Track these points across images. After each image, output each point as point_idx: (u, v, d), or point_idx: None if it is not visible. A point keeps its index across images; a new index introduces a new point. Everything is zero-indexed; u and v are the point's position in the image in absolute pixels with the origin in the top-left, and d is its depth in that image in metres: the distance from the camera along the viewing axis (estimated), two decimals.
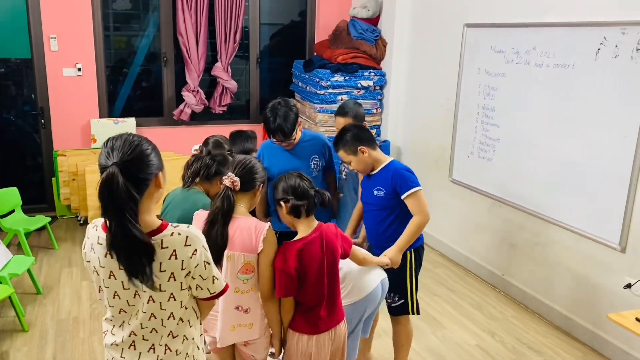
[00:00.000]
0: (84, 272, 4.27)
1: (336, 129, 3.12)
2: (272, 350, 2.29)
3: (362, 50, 5.34)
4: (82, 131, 5.40)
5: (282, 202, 2.23)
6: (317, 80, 5.26)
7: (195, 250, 1.56)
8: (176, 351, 1.65)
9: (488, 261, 4.35)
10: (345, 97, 5.23)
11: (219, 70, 5.64)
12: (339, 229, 2.36)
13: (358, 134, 2.73)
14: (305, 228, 2.22)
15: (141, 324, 1.61)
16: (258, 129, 5.94)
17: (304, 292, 2.19)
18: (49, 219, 4.60)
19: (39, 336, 3.40)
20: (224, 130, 5.25)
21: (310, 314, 2.23)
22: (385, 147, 5.30)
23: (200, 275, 1.59)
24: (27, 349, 3.27)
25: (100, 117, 5.46)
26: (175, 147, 5.40)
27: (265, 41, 6.13)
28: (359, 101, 5.26)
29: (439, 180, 4.78)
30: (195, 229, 1.61)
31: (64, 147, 5.32)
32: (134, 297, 1.59)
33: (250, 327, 2.18)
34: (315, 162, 3.16)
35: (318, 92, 5.21)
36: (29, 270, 3.80)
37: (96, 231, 1.60)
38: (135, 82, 5.78)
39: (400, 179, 2.64)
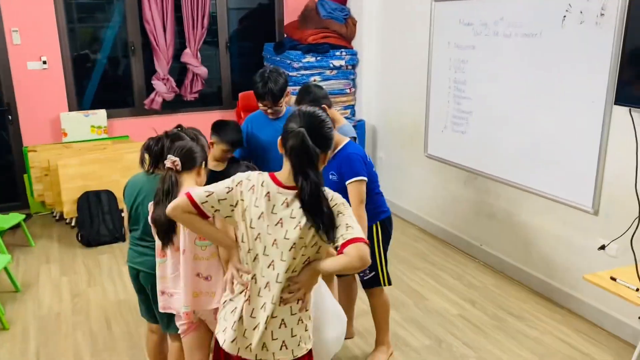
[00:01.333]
0: (63, 267, 4.21)
1: None
2: None
3: (332, 29, 5.32)
4: (52, 125, 5.30)
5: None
6: (289, 62, 5.23)
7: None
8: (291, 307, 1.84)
9: (466, 232, 4.42)
10: (317, 78, 5.21)
11: (188, 56, 5.57)
12: None
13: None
14: None
15: (277, 274, 1.79)
16: (231, 115, 5.91)
17: None
18: (24, 216, 4.52)
19: (21, 334, 3.36)
20: (198, 118, 5.22)
21: None
22: (361, 127, 5.32)
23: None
24: (10, 346, 3.23)
25: (70, 110, 5.36)
26: (148, 137, 5.33)
27: (234, 26, 6.07)
28: (332, 81, 5.32)
29: (415, 156, 4.82)
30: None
31: (34, 143, 5.21)
32: (271, 246, 1.79)
33: (212, 296, 2.20)
34: None
35: (290, 74, 5.18)
36: (6, 269, 3.74)
37: (261, 177, 1.83)
38: (104, 73, 5.67)
39: (347, 164, 2.60)
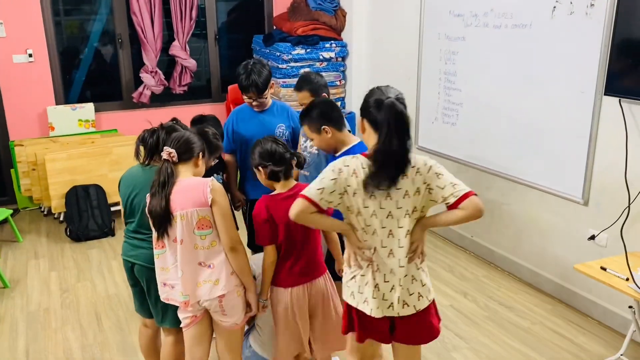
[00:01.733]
0: (51, 262, 4.17)
1: (299, 103, 3.08)
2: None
3: (321, 21, 5.29)
4: (39, 119, 5.24)
5: (260, 168, 2.33)
6: (278, 54, 5.20)
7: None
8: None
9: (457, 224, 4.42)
10: (307, 70, 5.17)
11: (176, 49, 5.52)
12: None
13: (326, 112, 2.60)
14: (281, 188, 2.34)
15: (399, 240, 1.98)
16: (221, 108, 5.87)
17: (280, 244, 2.32)
18: (11, 211, 4.47)
19: (9, 329, 3.32)
20: (186, 111, 5.17)
21: (285, 268, 2.34)
22: (351, 119, 5.27)
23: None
24: None
25: (57, 104, 5.29)
26: (137, 130, 5.18)
27: (223, 18, 6.02)
28: (322, 73, 5.29)
29: None
30: None
31: (21, 137, 5.15)
32: (387, 218, 1.95)
33: (216, 284, 2.20)
34: (281, 131, 3.15)
35: (280, 66, 5.15)
36: None
37: (357, 160, 1.95)
38: (91, 67, 5.61)
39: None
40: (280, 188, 2.34)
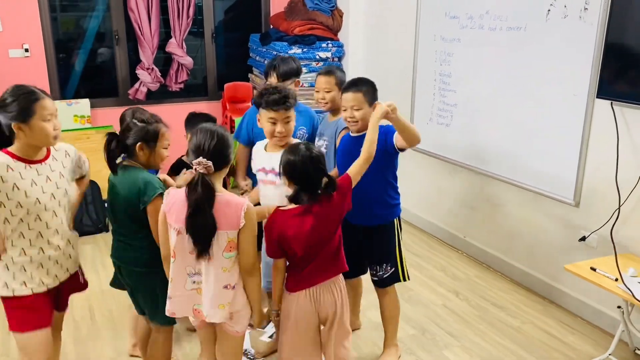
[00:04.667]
0: None
1: (317, 89, 3.05)
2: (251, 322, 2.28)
3: (318, 21, 5.32)
4: None
5: (287, 179, 2.21)
6: (275, 53, 5.21)
7: None
8: None
9: (450, 224, 4.46)
10: (304, 69, 5.19)
11: (173, 46, 5.53)
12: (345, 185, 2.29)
13: (376, 91, 2.70)
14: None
15: None
16: (217, 106, 5.88)
17: (291, 257, 2.25)
18: None
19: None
20: (183, 108, 5.16)
21: (298, 274, 2.27)
22: None
23: None
24: None
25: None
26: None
27: (220, 16, 6.03)
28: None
29: None
30: None
31: None
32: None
33: (231, 304, 2.15)
34: (301, 134, 3.13)
35: None
36: None
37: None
38: (88, 62, 5.60)
39: (388, 131, 2.61)
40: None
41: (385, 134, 2.59)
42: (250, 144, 3.13)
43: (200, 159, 1.99)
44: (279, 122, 2.50)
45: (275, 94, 2.50)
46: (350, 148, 2.66)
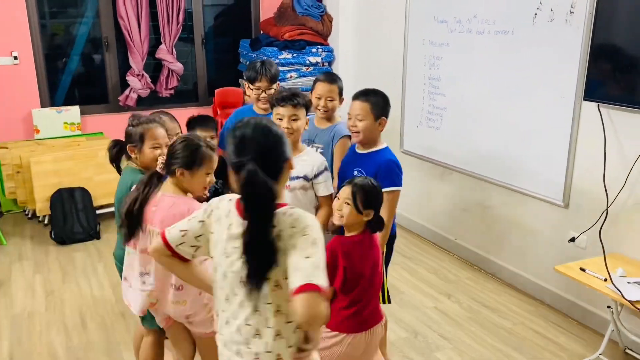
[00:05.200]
0: (36, 265, 4.15)
1: (319, 95, 2.98)
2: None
3: (308, 26, 5.34)
4: (24, 122, 5.21)
5: (358, 208, 2.13)
6: (266, 58, 5.22)
7: None
8: None
9: (441, 227, 4.48)
10: (294, 74, 5.22)
11: (163, 52, 5.53)
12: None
13: (388, 106, 2.64)
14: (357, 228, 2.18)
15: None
16: (207, 111, 5.88)
17: (349, 288, 2.14)
18: None
19: None
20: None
21: (352, 313, 2.15)
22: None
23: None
24: None
25: (42, 106, 5.27)
26: (123, 134, 5.27)
27: (210, 22, 6.04)
28: (308, 78, 5.33)
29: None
30: None
31: (5, 140, 5.12)
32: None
33: (184, 305, 2.19)
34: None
35: None
36: None
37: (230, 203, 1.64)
38: (77, 69, 5.59)
39: (387, 170, 2.53)
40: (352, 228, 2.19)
41: (381, 168, 2.55)
42: None
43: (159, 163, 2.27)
44: (285, 118, 2.55)
45: (285, 92, 2.62)
46: (348, 161, 2.70)
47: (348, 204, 2.13)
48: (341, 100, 3.07)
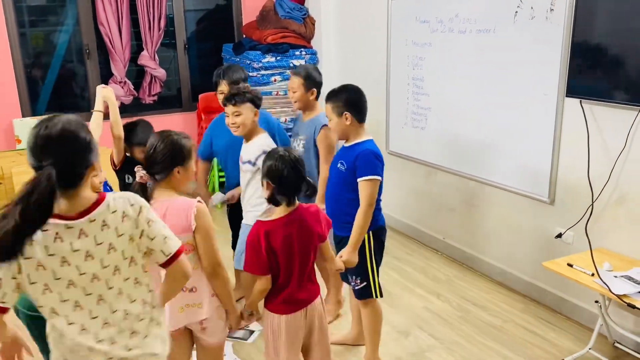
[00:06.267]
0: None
1: (289, 88, 3.26)
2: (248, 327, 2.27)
3: (291, 29, 5.33)
4: (5, 132, 5.14)
5: (264, 182, 2.19)
6: (249, 62, 5.21)
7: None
8: None
9: (429, 227, 4.49)
10: (278, 77, 5.21)
11: (145, 58, 5.49)
12: (323, 213, 2.32)
13: (353, 99, 2.68)
14: (281, 210, 2.20)
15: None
16: (192, 117, 5.85)
17: (273, 272, 2.19)
18: None
19: None
20: (157, 121, 5.11)
21: (280, 294, 2.21)
22: None
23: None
24: None
25: (24, 116, 5.20)
26: (106, 141, 5.17)
27: (192, 27, 6.00)
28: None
29: None
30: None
31: None
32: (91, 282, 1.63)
33: (199, 307, 2.14)
34: None
35: (251, 74, 5.15)
36: None
37: None
38: (59, 78, 5.52)
39: (363, 160, 2.56)
40: (279, 212, 2.20)
41: (357, 160, 2.59)
42: (208, 158, 3.51)
43: (138, 170, 2.12)
44: (230, 115, 2.92)
45: (229, 93, 2.98)
46: (336, 155, 2.83)
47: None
48: (312, 91, 3.20)
